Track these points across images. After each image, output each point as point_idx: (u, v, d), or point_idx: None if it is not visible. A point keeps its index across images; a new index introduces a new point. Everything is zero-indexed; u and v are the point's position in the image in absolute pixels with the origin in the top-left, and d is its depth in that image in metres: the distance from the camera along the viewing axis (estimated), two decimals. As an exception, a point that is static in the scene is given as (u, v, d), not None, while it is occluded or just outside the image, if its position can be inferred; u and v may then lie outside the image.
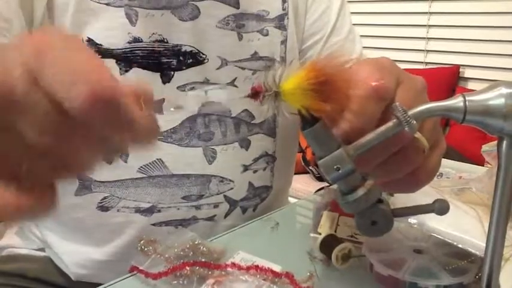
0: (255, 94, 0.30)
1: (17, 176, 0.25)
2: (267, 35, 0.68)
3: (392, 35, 2.67)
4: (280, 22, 0.69)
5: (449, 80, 2.47)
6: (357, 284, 0.52)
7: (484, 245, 0.35)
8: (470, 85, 2.46)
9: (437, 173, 0.79)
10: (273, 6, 0.68)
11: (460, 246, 0.48)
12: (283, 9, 0.69)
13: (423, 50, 2.59)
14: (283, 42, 0.69)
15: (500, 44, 2.32)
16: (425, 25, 2.55)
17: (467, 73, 2.47)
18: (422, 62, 2.62)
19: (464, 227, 0.50)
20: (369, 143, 0.32)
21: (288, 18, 0.69)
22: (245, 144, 0.68)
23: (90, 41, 0.58)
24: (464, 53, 2.44)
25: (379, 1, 2.69)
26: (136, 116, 0.24)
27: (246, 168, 0.68)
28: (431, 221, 0.50)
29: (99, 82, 0.23)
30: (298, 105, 0.31)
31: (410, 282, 0.48)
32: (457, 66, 2.47)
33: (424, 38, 2.57)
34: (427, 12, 2.53)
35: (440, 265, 0.49)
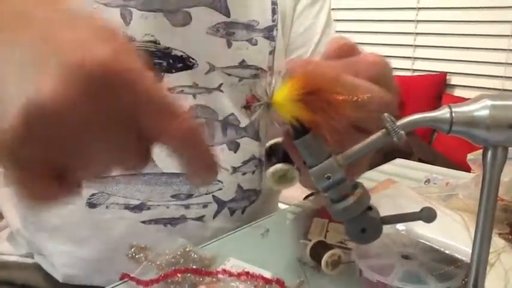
0: (247, 106, 0.31)
1: (62, 173, 0.27)
2: (255, 44, 0.69)
3: (380, 42, 2.70)
4: (269, 33, 0.70)
5: (436, 87, 2.50)
6: (346, 289, 0.53)
7: (470, 250, 0.36)
8: (457, 92, 2.50)
9: (425, 180, 0.80)
10: (263, 17, 0.70)
11: (447, 252, 0.49)
12: (273, 20, 0.71)
13: (411, 58, 2.63)
14: (271, 52, 0.71)
15: (486, 52, 2.36)
16: (412, 33, 2.58)
17: (454, 80, 2.51)
18: (409, 69, 2.65)
19: (451, 233, 0.51)
20: (359, 153, 0.33)
21: (277, 29, 0.71)
22: (233, 146, 0.69)
23: None
24: (451, 61, 2.48)
25: (367, 9, 2.72)
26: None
27: (234, 170, 0.69)
28: (419, 227, 0.51)
29: (189, 121, 0.27)
30: (289, 116, 0.31)
31: (398, 287, 0.49)
32: (444, 74, 2.50)
33: (412, 45, 2.60)
34: (414, 20, 2.57)
35: (428, 271, 0.50)
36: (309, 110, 0.31)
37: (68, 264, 0.66)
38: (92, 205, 0.64)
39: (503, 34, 2.29)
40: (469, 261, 0.37)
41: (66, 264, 0.67)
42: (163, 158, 0.64)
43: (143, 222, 0.65)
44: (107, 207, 0.64)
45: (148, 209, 0.65)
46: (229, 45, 0.67)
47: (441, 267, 0.50)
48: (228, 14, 0.66)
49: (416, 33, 2.57)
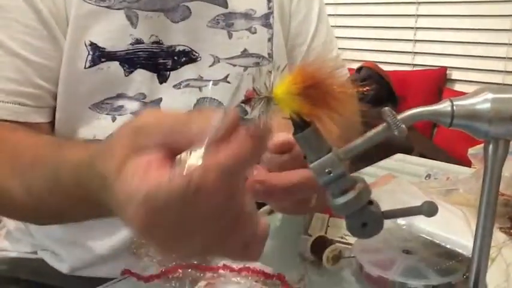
0: (247, 101, 0.31)
1: None
2: (255, 32, 0.70)
3: (381, 37, 2.69)
4: (266, 20, 0.71)
5: (436, 82, 2.49)
6: (347, 284, 0.53)
7: (471, 245, 0.36)
8: (457, 87, 2.49)
9: (426, 175, 0.80)
10: (259, 6, 0.70)
11: (448, 246, 0.49)
12: (269, 8, 0.71)
13: (411, 52, 2.62)
14: (270, 39, 0.72)
15: (486, 47, 2.35)
16: (412, 27, 2.58)
17: (454, 75, 2.50)
18: (410, 64, 2.64)
19: (452, 227, 0.51)
20: (359, 147, 0.33)
21: (273, 17, 0.72)
22: None
23: (93, 45, 0.59)
24: (451, 55, 2.47)
25: (368, 3, 2.71)
26: None
27: None
28: (420, 222, 0.51)
29: None
30: (290, 110, 0.31)
31: (399, 282, 0.49)
32: (444, 68, 2.49)
33: (412, 40, 2.59)
34: (414, 15, 2.56)
35: (429, 265, 0.50)
36: (309, 104, 0.31)
37: (76, 260, 0.67)
38: None
39: (503, 28, 2.28)
40: (469, 256, 0.37)
41: (73, 259, 0.67)
42: None
43: None
44: None
45: None
46: (230, 36, 0.68)
47: (442, 261, 0.50)
48: (225, 5, 0.67)
49: (417, 28, 2.56)
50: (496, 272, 0.48)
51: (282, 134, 0.43)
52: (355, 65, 2.50)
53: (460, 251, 0.48)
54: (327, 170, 0.32)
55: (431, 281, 0.48)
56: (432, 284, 0.48)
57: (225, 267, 0.52)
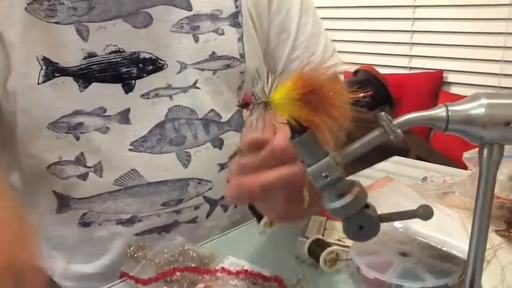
0: (245, 104, 0.31)
1: None
2: (222, 34, 0.67)
3: (377, 40, 2.70)
4: (234, 20, 0.68)
5: (433, 85, 2.50)
6: (344, 286, 0.53)
7: (467, 247, 0.37)
8: (454, 89, 2.50)
9: (422, 177, 0.81)
10: (226, 5, 0.68)
11: (443, 249, 0.49)
12: (236, 7, 0.69)
13: (407, 55, 2.63)
14: (240, 39, 0.69)
15: (482, 50, 2.36)
16: (409, 31, 2.59)
17: (451, 78, 2.51)
18: (406, 67, 2.65)
19: (448, 230, 0.51)
20: (356, 151, 0.33)
21: (241, 15, 0.69)
22: (218, 143, 0.68)
23: (45, 59, 0.57)
24: (448, 58, 2.48)
25: (364, 7, 2.72)
26: None
27: (222, 167, 0.69)
28: (416, 224, 0.51)
29: None
30: (287, 115, 0.31)
31: (396, 284, 0.49)
32: (441, 71, 2.50)
33: (409, 43, 2.61)
34: (411, 18, 2.57)
35: (425, 267, 0.51)
36: (306, 109, 0.31)
37: (70, 278, 0.67)
38: (84, 224, 0.63)
39: (499, 32, 2.29)
40: (465, 258, 0.37)
41: (67, 279, 0.67)
42: (148, 168, 0.65)
43: (137, 234, 0.64)
44: (99, 224, 0.64)
45: (140, 221, 0.64)
46: (196, 39, 0.65)
47: (438, 264, 0.50)
48: (189, 8, 0.65)
49: (413, 31, 2.57)
50: (492, 274, 0.48)
51: (250, 133, 0.44)
52: (352, 68, 2.51)
53: (455, 253, 0.48)
54: (324, 174, 0.32)
55: (427, 283, 0.48)
56: (428, 286, 0.48)
57: (222, 270, 0.53)
